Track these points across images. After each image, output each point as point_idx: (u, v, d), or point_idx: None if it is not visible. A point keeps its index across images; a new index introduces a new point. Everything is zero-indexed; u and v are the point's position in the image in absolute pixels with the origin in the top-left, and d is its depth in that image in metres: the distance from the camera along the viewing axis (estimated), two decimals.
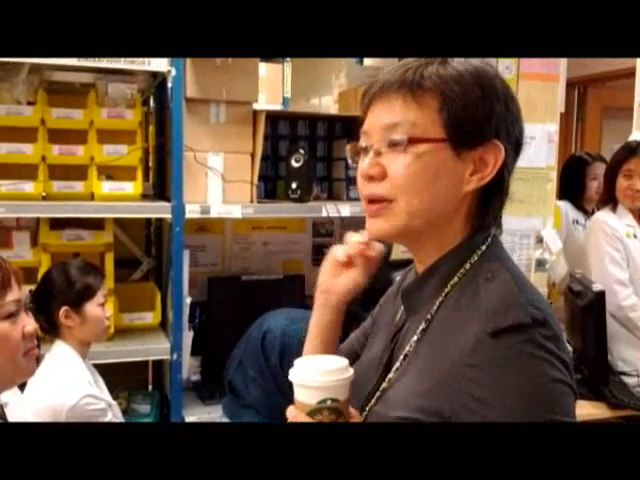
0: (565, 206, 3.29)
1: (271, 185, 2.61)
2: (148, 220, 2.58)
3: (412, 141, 0.82)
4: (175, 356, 2.10)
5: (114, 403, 1.84)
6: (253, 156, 2.25)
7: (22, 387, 1.60)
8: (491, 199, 0.87)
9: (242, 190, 2.22)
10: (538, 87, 2.47)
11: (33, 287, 1.83)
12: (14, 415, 1.28)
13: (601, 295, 2.32)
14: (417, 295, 0.90)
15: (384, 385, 0.88)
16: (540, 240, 2.58)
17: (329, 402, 0.79)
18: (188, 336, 2.14)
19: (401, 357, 0.88)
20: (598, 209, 2.91)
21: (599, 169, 3.19)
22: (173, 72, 2.05)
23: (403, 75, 0.83)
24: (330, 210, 2.23)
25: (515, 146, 0.88)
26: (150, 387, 2.61)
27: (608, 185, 2.71)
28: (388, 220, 0.85)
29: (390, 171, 0.84)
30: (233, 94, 2.19)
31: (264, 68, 3.33)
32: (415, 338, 0.86)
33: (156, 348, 2.15)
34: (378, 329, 1.03)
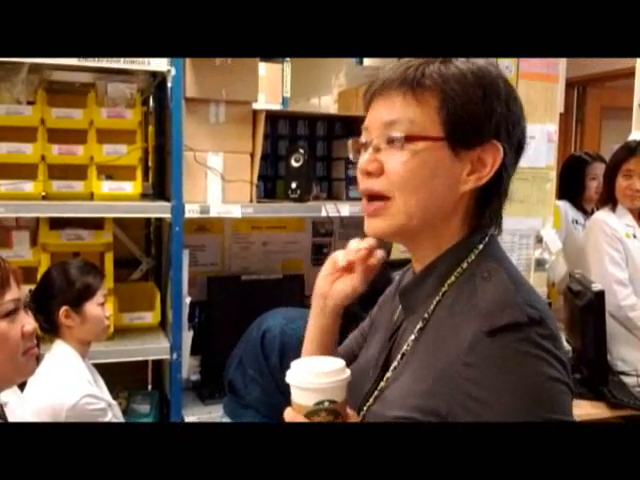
0: (564, 206, 3.29)
1: (271, 185, 2.62)
2: (148, 220, 2.58)
3: (409, 138, 0.82)
4: (175, 356, 2.10)
5: (114, 403, 1.84)
6: (253, 156, 2.25)
7: (22, 387, 1.60)
8: (489, 200, 0.87)
9: (242, 190, 2.22)
10: (537, 87, 2.47)
11: (33, 287, 1.83)
12: (14, 415, 1.28)
13: (600, 295, 2.31)
14: (415, 294, 0.90)
15: (382, 384, 0.88)
16: (540, 240, 2.58)
17: (326, 404, 0.79)
18: (188, 336, 2.14)
19: (399, 356, 0.88)
20: (597, 209, 2.91)
21: (598, 169, 3.19)
22: (173, 72, 2.05)
23: (404, 72, 0.84)
24: (330, 210, 2.23)
25: (516, 148, 0.88)
26: (150, 387, 2.61)
27: (607, 185, 2.71)
28: (386, 220, 0.86)
29: (387, 167, 0.84)
30: (233, 94, 2.19)
31: (264, 68, 3.33)
32: (413, 337, 0.87)
33: (156, 348, 2.15)
34: (376, 329, 1.03)
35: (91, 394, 1.70)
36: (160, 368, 2.49)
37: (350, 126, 2.66)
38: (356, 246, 0.96)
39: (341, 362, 0.84)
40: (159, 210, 2.13)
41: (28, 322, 1.17)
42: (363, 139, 0.89)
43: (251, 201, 2.24)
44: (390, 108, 0.84)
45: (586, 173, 3.32)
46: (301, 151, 2.29)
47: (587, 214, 3.27)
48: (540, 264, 2.59)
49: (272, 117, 2.56)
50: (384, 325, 0.99)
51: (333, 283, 0.98)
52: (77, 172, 2.10)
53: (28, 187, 2.02)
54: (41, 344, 1.42)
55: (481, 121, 0.83)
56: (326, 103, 3.55)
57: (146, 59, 2.04)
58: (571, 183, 3.32)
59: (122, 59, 2.01)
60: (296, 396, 0.81)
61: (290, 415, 0.82)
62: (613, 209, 2.66)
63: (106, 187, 2.09)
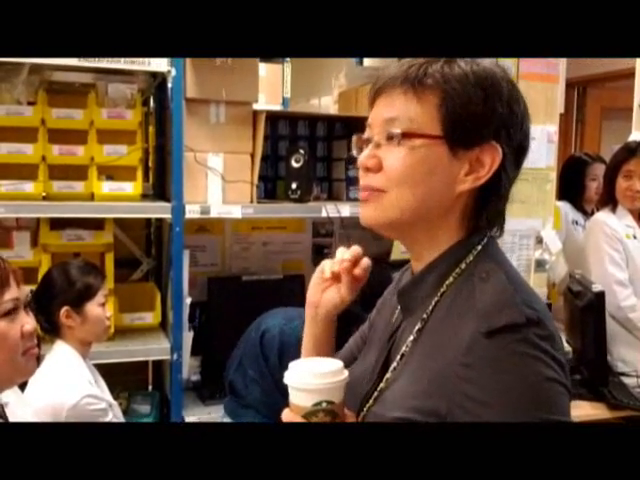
0: (565, 207, 3.29)
1: (271, 185, 2.61)
2: (148, 220, 2.58)
3: (407, 135, 0.83)
4: (175, 356, 2.10)
5: (115, 403, 1.84)
6: (253, 156, 2.25)
7: (22, 387, 1.60)
8: (488, 201, 0.87)
9: (242, 190, 2.22)
10: (538, 87, 2.47)
11: (33, 287, 1.83)
12: (14, 415, 1.28)
13: (601, 295, 2.31)
14: (413, 295, 0.90)
15: (382, 385, 0.88)
16: (540, 240, 2.58)
17: (324, 404, 0.79)
18: (188, 336, 2.14)
19: (398, 357, 0.88)
20: (598, 210, 2.91)
21: (599, 170, 3.19)
22: (173, 72, 2.05)
23: (407, 71, 0.84)
24: (330, 210, 2.23)
25: (518, 150, 0.87)
26: (150, 387, 2.61)
27: (608, 186, 2.71)
28: (377, 208, 0.86)
29: (385, 163, 0.85)
30: (233, 94, 2.19)
31: (264, 68, 3.33)
32: (411, 338, 0.86)
33: (156, 348, 2.15)
34: (375, 331, 1.03)
35: (92, 394, 1.70)
36: (160, 368, 2.49)
37: (350, 126, 2.65)
38: (340, 257, 0.96)
39: (339, 363, 0.84)
40: (159, 210, 2.13)
41: (28, 322, 1.17)
42: (366, 135, 0.89)
43: (251, 202, 2.24)
44: (391, 105, 0.85)
45: (586, 174, 3.32)
46: (301, 152, 2.29)
47: (587, 215, 3.27)
48: (540, 265, 2.59)
49: (272, 118, 2.55)
50: (383, 326, 0.99)
51: (323, 292, 0.99)
52: (77, 172, 2.10)
53: (28, 187, 2.02)
54: (42, 344, 1.42)
55: (481, 121, 0.83)
56: (326, 103, 3.55)
57: (146, 59, 2.04)
58: (571, 184, 3.32)
59: (122, 59, 2.01)
60: (294, 397, 0.81)
61: (288, 416, 0.82)
62: (613, 210, 2.66)
63: (106, 187, 2.09)
